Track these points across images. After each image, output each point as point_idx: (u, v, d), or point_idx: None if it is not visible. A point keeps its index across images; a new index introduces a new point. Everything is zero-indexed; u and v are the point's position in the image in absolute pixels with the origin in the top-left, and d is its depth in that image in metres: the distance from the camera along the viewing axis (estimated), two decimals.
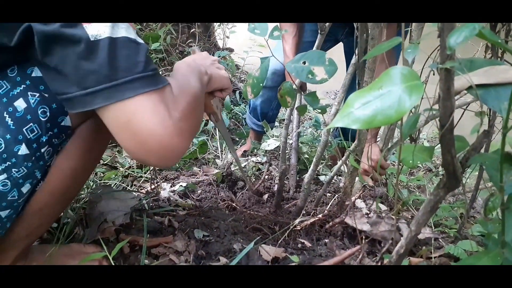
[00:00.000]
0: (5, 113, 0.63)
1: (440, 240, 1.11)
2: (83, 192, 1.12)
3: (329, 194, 1.48)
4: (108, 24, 0.57)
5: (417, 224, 0.60)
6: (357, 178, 1.26)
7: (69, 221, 1.01)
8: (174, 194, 1.28)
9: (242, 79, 3.22)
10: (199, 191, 1.38)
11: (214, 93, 0.92)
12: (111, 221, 0.99)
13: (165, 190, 1.17)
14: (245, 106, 2.61)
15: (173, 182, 1.41)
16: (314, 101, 0.77)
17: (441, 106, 0.50)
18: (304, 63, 0.71)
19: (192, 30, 2.30)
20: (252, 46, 3.04)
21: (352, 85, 1.25)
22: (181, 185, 1.36)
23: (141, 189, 1.29)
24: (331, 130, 1.39)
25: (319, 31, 1.10)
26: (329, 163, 1.97)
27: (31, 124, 0.64)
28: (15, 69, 0.65)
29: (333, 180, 1.50)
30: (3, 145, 0.63)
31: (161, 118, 0.58)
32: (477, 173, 1.05)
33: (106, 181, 1.28)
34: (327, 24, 1.11)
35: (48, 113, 0.66)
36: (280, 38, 0.71)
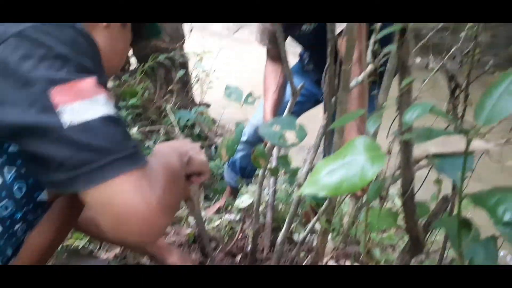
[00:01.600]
0: None
1: None
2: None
3: (303, 254, 1.47)
4: (84, 104, 0.56)
5: None
6: (329, 237, 1.27)
7: None
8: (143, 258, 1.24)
9: (218, 133, 3.27)
10: None
11: (192, 178, 0.89)
12: None
13: None
14: (220, 161, 2.63)
15: None
16: (286, 164, 0.80)
17: (402, 175, 0.53)
18: (277, 127, 0.75)
19: (170, 87, 2.36)
20: (230, 102, 3.14)
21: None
22: None
23: (110, 251, 1.25)
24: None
25: (291, 93, 1.15)
26: (304, 220, 1.97)
27: (6, 200, 0.62)
28: None
29: (307, 239, 1.50)
30: None
31: (144, 195, 0.56)
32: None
33: (73, 243, 1.23)
34: (299, 86, 1.16)
35: (24, 189, 0.64)
36: (254, 104, 0.75)
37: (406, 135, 0.50)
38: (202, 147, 0.91)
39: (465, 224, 0.53)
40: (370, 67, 1.00)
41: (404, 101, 0.49)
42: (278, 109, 1.69)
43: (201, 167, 0.85)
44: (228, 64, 3.84)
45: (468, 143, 0.46)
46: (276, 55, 1.71)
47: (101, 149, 0.56)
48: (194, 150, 0.85)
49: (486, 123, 0.44)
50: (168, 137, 2.33)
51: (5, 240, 0.64)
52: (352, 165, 0.50)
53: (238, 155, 2.03)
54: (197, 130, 2.55)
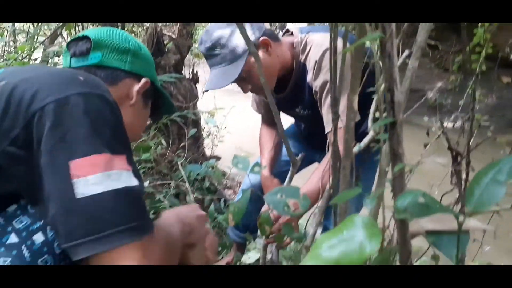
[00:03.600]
0: (23, 246, 0.66)
1: None
2: None
3: None
4: (98, 178, 0.61)
5: None
6: None
7: None
8: None
9: (228, 185, 3.30)
10: None
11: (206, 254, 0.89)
12: None
13: None
14: None
15: None
16: (290, 232, 0.82)
17: (399, 251, 0.56)
18: (281, 196, 0.78)
19: (182, 144, 2.43)
20: (239, 154, 3.18)
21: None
22: None
23: None
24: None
25: (291, 164, 1.16)
26: None
27: (46, 255, 0.67)
28: None
29: None
30: None
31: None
32: None
33: None
34: (299, 156, 1.18)
35: None
36: (259, 174, 0.79)
37: (401, 214, 0.53)
38: (207, 218, 0.92)
39: None
40: (371, 134, 1.05)
41: (398, 185, 0.52)
42: (274, 166, 1.72)
43: (199, 240, 0.86)
44: (238, 120, 3.96)
45: (460, 226, 0.48)
46: (270, 120, 1.77)
47: (106, 221, 0.61)
48: (199, 221, 0.87)
49: (474, 210, 0.47)
50: (179, 190, 2.37)
51: None
52: (351, 241, 0.53)
53: None
54: (206, 183, 2.59)
